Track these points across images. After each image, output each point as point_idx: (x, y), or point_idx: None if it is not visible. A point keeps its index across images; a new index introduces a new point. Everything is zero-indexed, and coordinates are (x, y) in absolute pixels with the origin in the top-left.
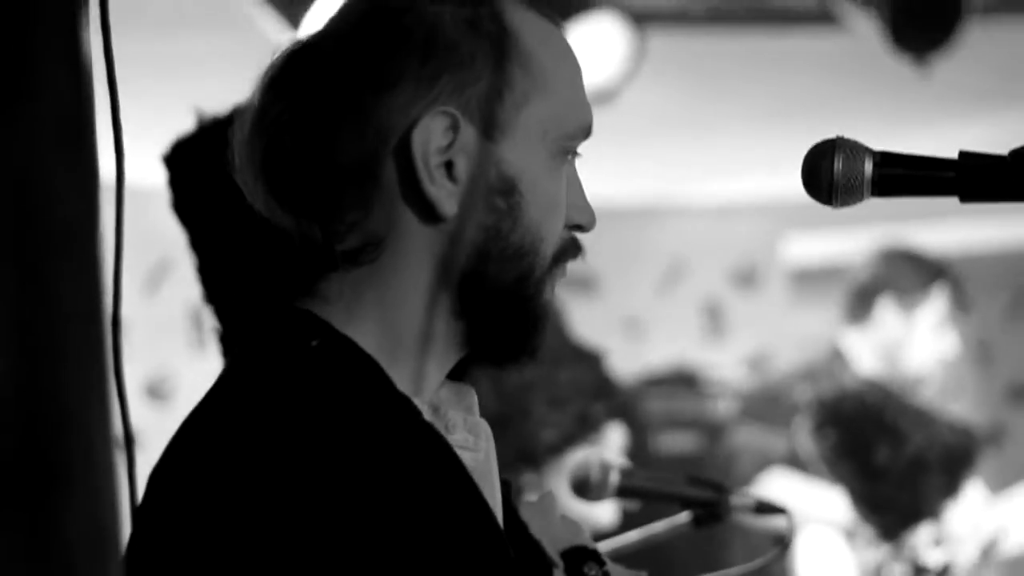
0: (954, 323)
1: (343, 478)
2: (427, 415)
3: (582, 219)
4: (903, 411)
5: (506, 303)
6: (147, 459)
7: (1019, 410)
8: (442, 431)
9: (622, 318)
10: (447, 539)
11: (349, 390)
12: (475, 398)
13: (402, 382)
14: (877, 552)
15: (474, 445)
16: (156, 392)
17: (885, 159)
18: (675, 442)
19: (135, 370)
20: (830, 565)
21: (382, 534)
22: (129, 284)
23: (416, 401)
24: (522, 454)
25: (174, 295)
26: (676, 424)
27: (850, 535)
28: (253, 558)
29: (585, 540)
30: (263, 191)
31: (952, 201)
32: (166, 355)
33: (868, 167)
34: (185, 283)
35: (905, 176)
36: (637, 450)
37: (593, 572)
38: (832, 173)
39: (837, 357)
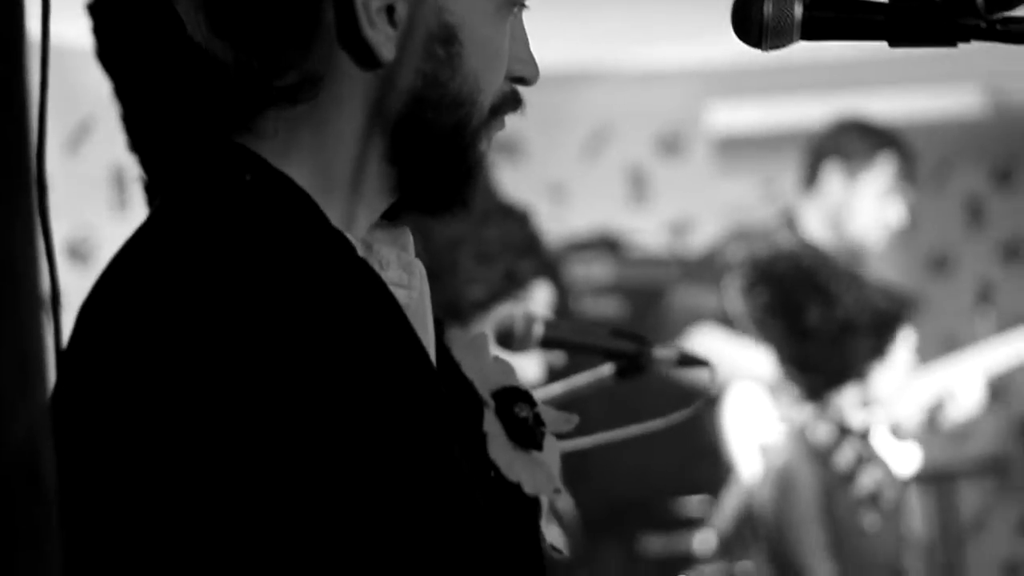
0: (901, 192)
1: (275, 310)
2: (361, 251)
3: (525, 72)
4: (835, 274)
5: (441, 150)
6: (68, 319)
7: (939, 280)
8: (376, 268)
9: (547, 183)
10: (378, 373)
11: (283, 223)
12: (410, 238)
13: (335, 219)
14: (802, 412)
15: (408, 283)
16: (77, 252)
17: (815, 2)
18: (598, 306)
19: (56, 230)
20: (756, 420)
21: (314, 367)
22: (50, 145)
23: (350, 237)
24: (449, 310)
25: (96, 156)
26: (599, 288)
27: (775, 392)
28: (182, 398)
29: (516, 381)
30: (204, 20)
31: (878, 70)
32: (88, 216)
33: (798, 9)
34: (107, 144)
35: (834, 19)
36: (561, 314)
37: (524, 413)
38: (762, 15)
39: (789, 222)
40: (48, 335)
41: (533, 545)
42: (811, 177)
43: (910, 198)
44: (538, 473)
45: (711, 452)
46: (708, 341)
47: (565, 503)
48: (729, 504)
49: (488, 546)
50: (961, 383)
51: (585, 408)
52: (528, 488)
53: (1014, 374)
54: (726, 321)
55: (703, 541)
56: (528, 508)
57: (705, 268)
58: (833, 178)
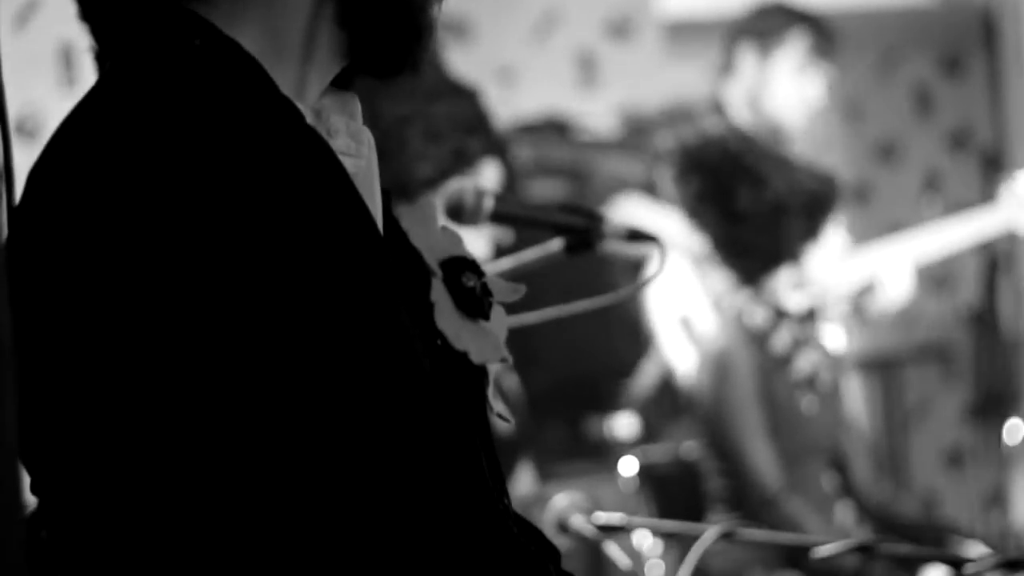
0: (816, 69)
1: (223, 172)
2: (310, 119)
3: None
4: (764, 157)
5: (392, 12)
6: (15, 195)
7: (886, 167)
8: (324, 136)
9: (495, 65)
10: (325, 237)
11: (231, 89)
12: (358, 106)
13: (284, 87)
14: (738, 297)
15: (356, 151)
16: (23, 129)
17: None
18: (545, 188)
19: None
20: (679, 293)
21: (262, 228)
22: None
23: (299, 105)
24: (397, 187)
25: (43, 32)
26: (546, 171)
27: (699, 262)
28: (131, 253)
29: (464, 250)
30: None
31: None
32: (35, 93)
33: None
34: (54, 20)
35: None
36: (508, 195)
37: (471, 282)
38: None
39: (716, 107)
40: None
41: (480, 413)
42: (728, 60)
43: (829, 76)
44: (485, 342)
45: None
46: (633, 210)
47: (511, 382)
48: (647, 377)
49: (436, 412)
50: (889, 269)
51: (533, 285)
52: (475, 357)
53: (962, 260)
54: (652, 191)
55: (642, 425)
56: (475, 377)
57: (632, 138)
58: (747, 58)
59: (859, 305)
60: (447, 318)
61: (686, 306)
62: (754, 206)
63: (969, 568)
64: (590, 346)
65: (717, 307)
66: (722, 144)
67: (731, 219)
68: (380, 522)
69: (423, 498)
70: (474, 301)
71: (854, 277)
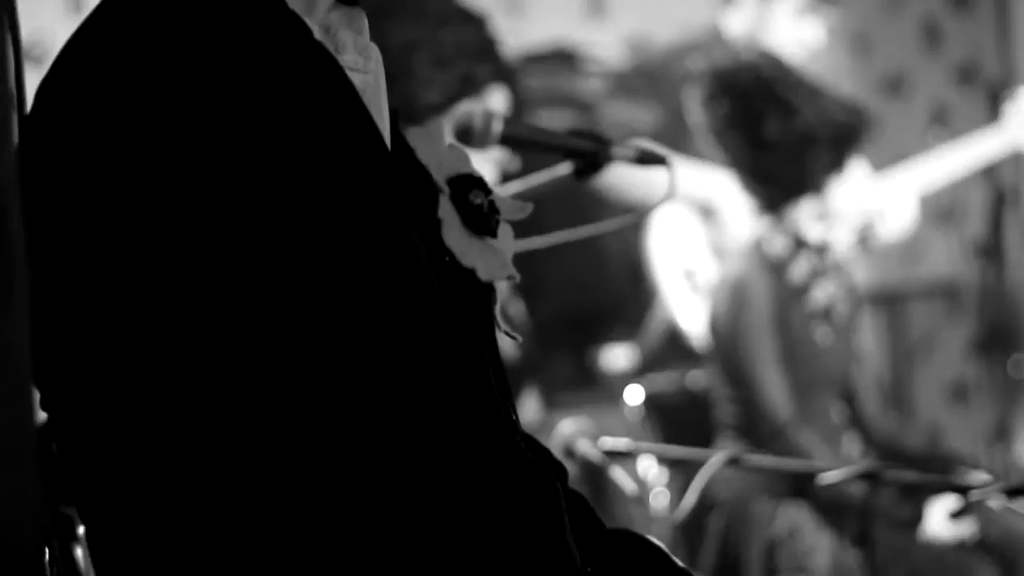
0: (815, 14)
1: (232, 89)
2: (317, 34)
3: None
4: (796, 85)
5: None
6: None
7: (894, 102)
8: (332, 51)
9: None
10: (333, 153)
11: (241, 3)
12: (365, 21)
13: (292, 2)
14: (759, 224)
15: (364, 67)
16: (30, 55)
17: None
18: (552, 119)
19: None
20: (682, 243)
21: (268, 145)
22: None
23: (307, 20)
24: (404, 113)
25: None
26: (554, 101)
27: (708, 213)
28: (138, 175)
29: (471, 168)
30: None
31: None
32: (43, 20)
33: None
34: None
35: None
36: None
37: (479, 200)
38: None
39: (718, 39)
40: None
41: (488, 330)
42: None
43: (830, 19)
44: (492, 259)
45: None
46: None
47: (517, 309)
48: (653, 333)
49: (441, 326)
50: (893, 200)
51: (540, 213)
52: (483, 274)
53: (968, 194)
54: (659, 137)
55: (651, 356)
56: (483, 294)
57: (642, 82)
58: None
59: (863, 236)
60: (455, 235)
61: (690, 259)
62: (782, 135)
63: (974, 494)
64: (595, 279)
65: (720, 249)
66: (755, 70)
67: (757, 146)
68: (387, 432)
69: (430, 409)
70: (481, 218)
71: (858, 208)
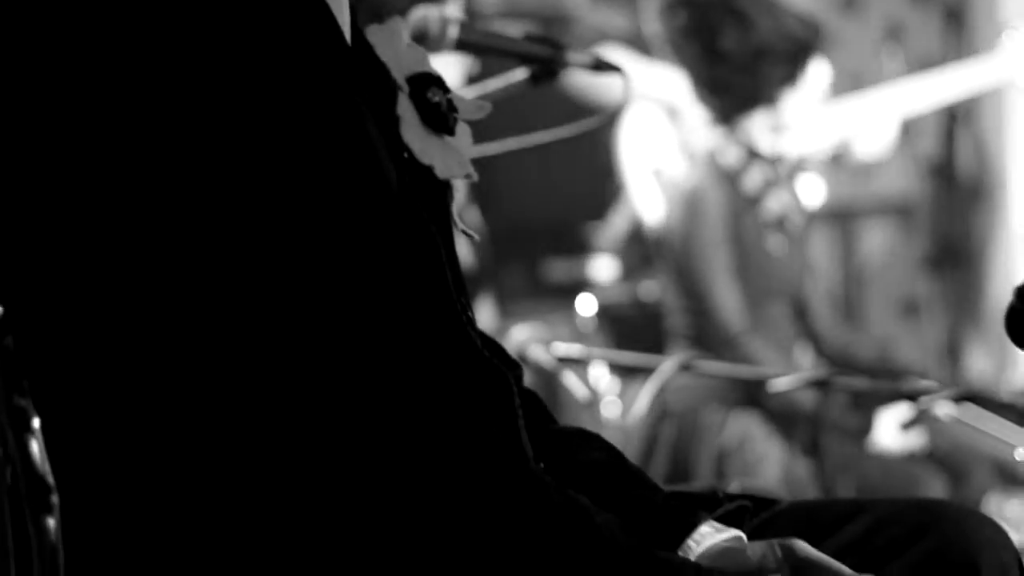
0: None
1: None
2: None
3: None
4: None
5: None
6: None
7: (848, 17)
8: None
9: None
10: (291, 46)
11: None
12: None
13: None
14: (712, 135)
15: None
16: None
17: None
18: (514, 29)
19: None
20: (652, 143)
21: (224, 38)
22: None
23: None
24: (364, 11)
25: None
26: (518, 14)
27: (674, 114)
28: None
29: (430, 67)
30: None
31: None
32: None
33: None
34: None
35: None
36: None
37: (437, 98)
38: None
39: None
40: None
41: (445, 227)
42: None
43: None
44: (450, 157)
45: (617, 179)
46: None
47: (472, 215)
48: (616, 227)
49: (399, 222)
50: (874, 120)
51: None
52: (440, 172)
53: (925, 115)
54: (633, 43)
55: (605, 266)
56: (440, 192)
57: None
58: None
59: (840, 155)
60: (413, 132)
61: (658, 156)
62: (737, 47)
63: (923, 401)
64: (553, 189)
65: (688, 151)
66: None
67: (712, 57)
68: (343, 322)
69: (386, 301)
70: (439, 116)
71: (835, 127)
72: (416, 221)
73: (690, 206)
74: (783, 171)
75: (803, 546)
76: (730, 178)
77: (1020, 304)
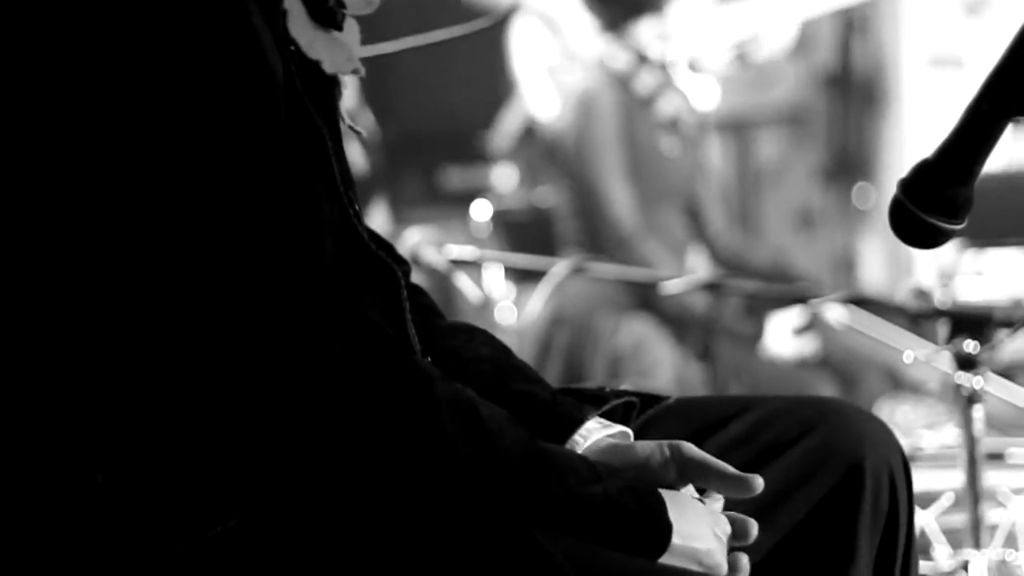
0: None
1: None
2: None
3: None
4: None
5: None
6: None
7: None
8: None
9: None
10: None
11: None
12: None
13: None
14: (602, 41)
15: None
16: None
17: None
18: None
19: None
20: (540, 51)
21: None
22: None
23: None
24: None
25: None
26: None
27: (553, 27)
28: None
29: None
30: None
31: None
32: None
33: None
34: None
35: None
36: None
37: None
38: None
39: None
40: None
41: (332, 122)
42: None
43: None
44: (338, 52)
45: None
46: None
47: (367, 120)
48: (509, 127)
49: (286, 116)
50: (772, 23)
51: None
52: (328, 66)
53: (821, 22)
54: None
55: (500, 173)
56: (327, 87)
57: None
58: None
59: (741, 54)
60: (300, 26)
61: (548, 60)
62: None
63: (815, 303)
64: (449, 97)
65: (579, 58)
66: None
67: None
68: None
69: (269, 194)
70: (327, 11)
71: (732, 29)
72: (302, 114)
73: (582, 108)
74: (675, 75)
75: (689, 447)
76: (621, 81)
77: (903, 196)
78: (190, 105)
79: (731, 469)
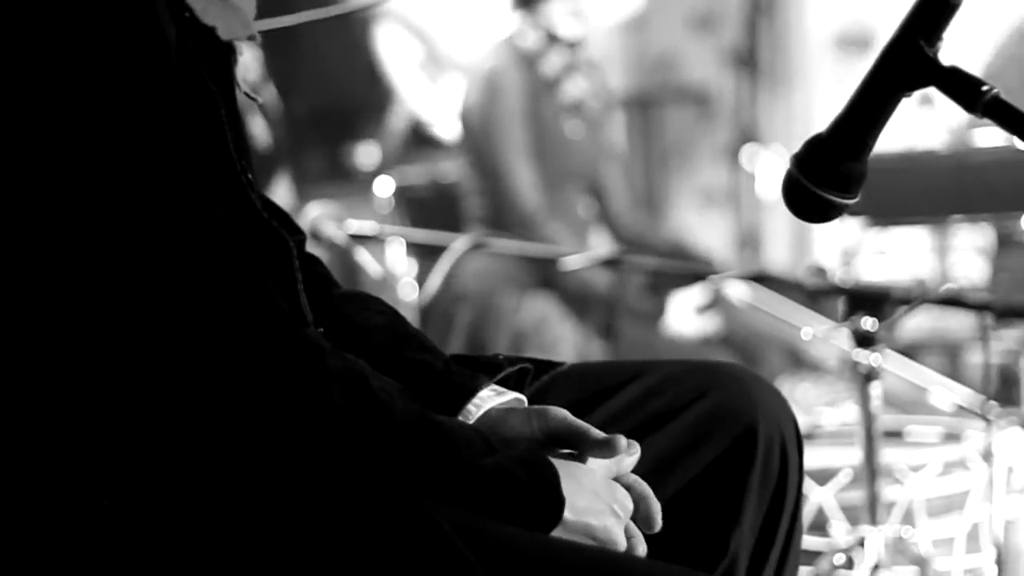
0: None
1: None
2: None
3: None
4: None
5: None
6: None
7: None
8: None
9: None
10: None
11: None
12: None
13: None
14: (512, 18)
15: None
16: None
17: None
18: None
19: None
20: (404, 55)
21: None
22: None
23: None
24: None
25: None
26: None
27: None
28: None
29: None
30: None
31: None
32: None
33: None
34: None
35: None
36: None
37: None
38: None
39: None
40: None
41: (227, 89)
42: None
43: None
44: (233, 19)
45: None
46: None
47: (269, 94)
48: (395, 122)
49: (179, 82)
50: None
51: None
52: (223, 33)
53: (723, 1)
54: None
55: (399, 149)
56: (222, 53)
57: None
58: None
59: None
60: None
61: (417, 60)
62: None
63: (715, 279)
64: (347, 75)
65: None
66: None
67: None
68: (113, 184)
69: (159, 162)
70: None
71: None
72: (194, 80)
73: (489, 87)
74: (582, 56)
75: (556, 412)
76: (529, 61)
77: (796, 171)
78: (78, 70)
79: (597, 432)
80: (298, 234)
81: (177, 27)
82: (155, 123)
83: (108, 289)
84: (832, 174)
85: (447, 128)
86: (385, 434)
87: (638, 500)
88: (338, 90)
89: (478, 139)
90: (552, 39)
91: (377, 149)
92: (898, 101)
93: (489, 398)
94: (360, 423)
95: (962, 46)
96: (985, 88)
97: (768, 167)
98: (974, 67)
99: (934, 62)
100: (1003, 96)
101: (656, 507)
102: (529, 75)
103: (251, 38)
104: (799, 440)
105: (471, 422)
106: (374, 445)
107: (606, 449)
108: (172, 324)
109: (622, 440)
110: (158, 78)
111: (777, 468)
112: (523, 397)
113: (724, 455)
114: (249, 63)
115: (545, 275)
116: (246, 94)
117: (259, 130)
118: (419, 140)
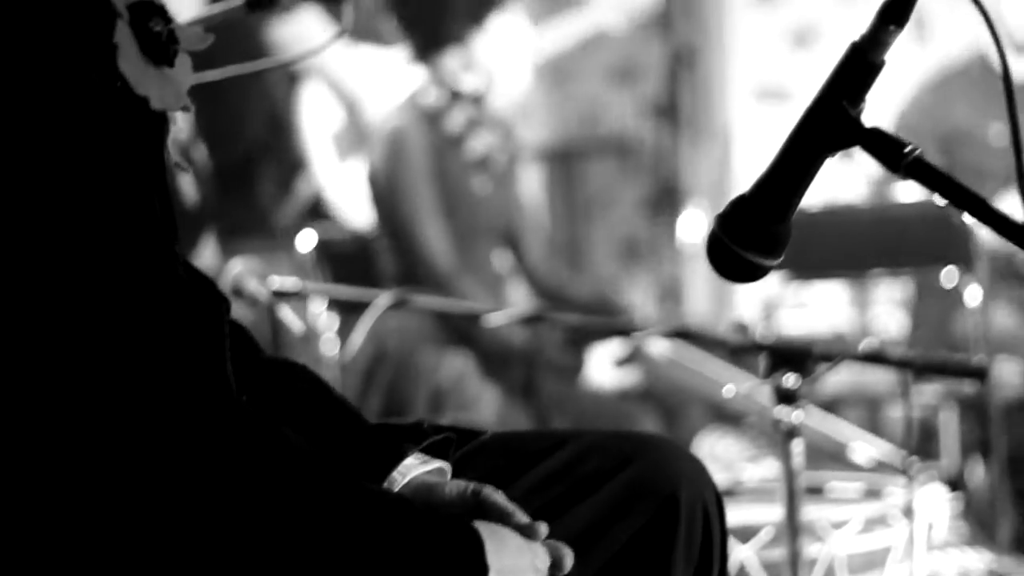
0: None
1: None
2: None
3: None
4: None
5: None
6: None
7: None
8: None
9: None
10: None
11: None
12: None
13: None
14: (413, 75)
15: None
16: None
17: None
18: None
19: None
20: (324, 119)
21: None
22: None
23: None
24: None
25: None
26: None
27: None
28: None
29: None
30: None
31: None
32: None
33: None
34: None
35: None
36: None
37: (158, 27)
38: None
39: None
40: None
41: (157, 160)
42: None
43: None
44: (167, 89)
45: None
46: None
47: (200, 152)
48: (302, 193)
49: (112, 159)
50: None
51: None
52: (155, 103)
53: (647, 53)
54: None
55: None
56: (155, 124)
57: None
58: None
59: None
60: (130, 62)
61: (336, 126)
62: None
63: (636, 336)
64: (269, 133)
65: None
66: None
67: None
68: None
69: (84, 242)
70: (160, 47)
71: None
72: (122, 155)
73: (393, 147)
74: (487, 110)
75: (490, 491)
76: (432, 118)
77: (719, 231)
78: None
79: (523, 517)
80: (224, 302)
81: (107, 96)
82: (76, 200)
83: (36, 364)
84: (757, 236)
85: (347, 206)
86: (310, 505)
87: (549, 549)
88: (261, 145)
89: (385, 199)
90: (455, 95)
91: (293, 207)
92: (822, 162)
93: (414, 466)
94: (288, 493)
95: (876, 98)
96: (907, 149)
97: (689, 219)
98: (888, 119)
99: (857, 123)
100: (923, 156)
101: (564, 549)
102: (433, 133)
103: (184, 108)
104: (721, 508)
105: (396, 490)
106: (298, 516)
107: (528, 533)
108: (98, 398)
109: (543, 527)
110: (82, 155)
111: (700, 536)
112: (447, 466)
113: (649, 524)
114: (180, 122)
115: (464, 332)
116: (176, 164)
117: (187, 186)
118: (318, 214)
